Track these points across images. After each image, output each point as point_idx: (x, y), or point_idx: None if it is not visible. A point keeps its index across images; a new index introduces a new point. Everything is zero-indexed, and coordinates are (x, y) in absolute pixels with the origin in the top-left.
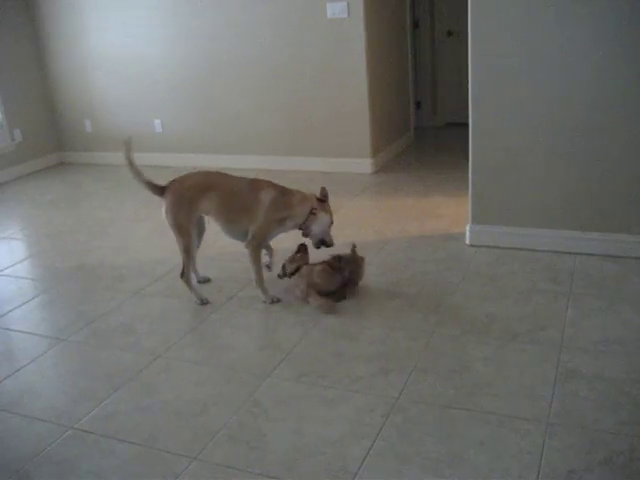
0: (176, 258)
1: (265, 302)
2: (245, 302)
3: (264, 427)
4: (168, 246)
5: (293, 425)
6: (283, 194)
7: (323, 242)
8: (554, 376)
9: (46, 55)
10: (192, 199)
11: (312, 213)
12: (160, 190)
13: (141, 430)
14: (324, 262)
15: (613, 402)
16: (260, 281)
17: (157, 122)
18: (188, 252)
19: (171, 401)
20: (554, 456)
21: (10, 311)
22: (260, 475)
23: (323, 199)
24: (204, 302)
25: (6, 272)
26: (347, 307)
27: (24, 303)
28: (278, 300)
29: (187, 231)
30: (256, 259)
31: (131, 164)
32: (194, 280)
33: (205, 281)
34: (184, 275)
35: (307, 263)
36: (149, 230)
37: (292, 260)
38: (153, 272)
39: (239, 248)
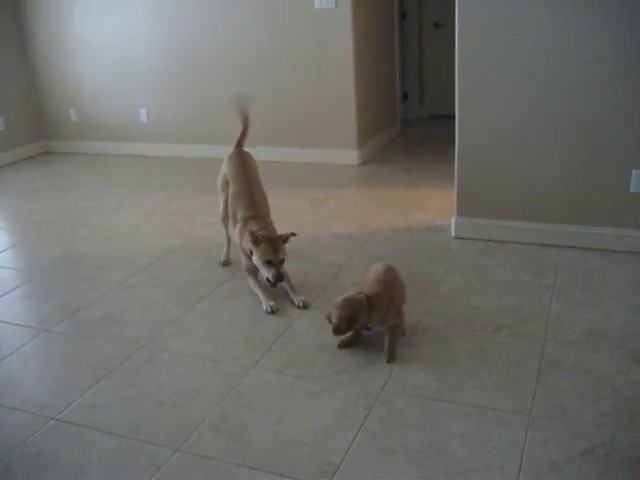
0: (160, 249)
1: None
2: (229, 293)
3: (247, 418)
4: (153, 236)
5: (276, 417)
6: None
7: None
8: (537, 368)
9: (30, 43)
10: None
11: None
12: (237, 145)
13: (124, 421)
14: None
15: (595, 394)
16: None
17: (142, 111)
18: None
19: (154, 392)
20: (536, 448)
21: None
22: (242, 466)
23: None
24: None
25: None
26: (331, 299)
27: (6, 293)
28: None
29: (220, 191)
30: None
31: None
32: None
33: (226, 264)
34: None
35: None
36: (134, 220)
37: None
38: (137, 262)
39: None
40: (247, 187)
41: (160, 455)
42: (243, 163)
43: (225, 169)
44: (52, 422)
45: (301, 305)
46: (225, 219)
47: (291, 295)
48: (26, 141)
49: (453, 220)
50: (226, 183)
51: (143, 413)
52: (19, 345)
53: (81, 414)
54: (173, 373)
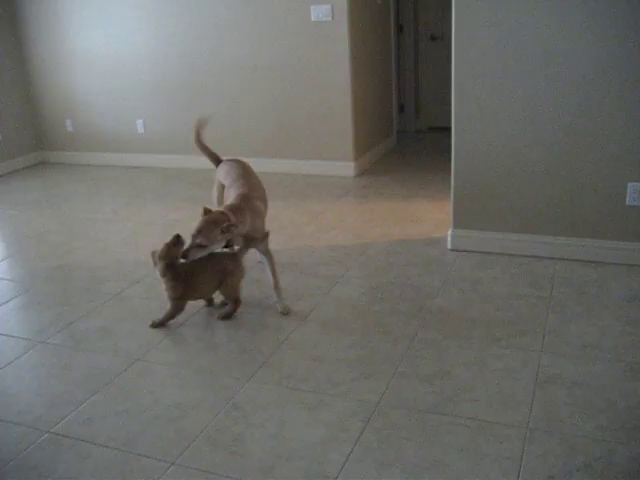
0: None
1: None
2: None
3: (244, 431)
4: (149, 248)
5: (273, 429)
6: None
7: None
8: (534, 381)
9: (27, 53)
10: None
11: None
12: (217, 162)
13: (119, 434)
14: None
15: (592, 407)
16: None
17: (139, 122)
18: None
19: (150, 405)
20: (534, 461)
21: None
22: None
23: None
24: None
25: None
26: (327, 311)
27: (2, 304)
28: None
29: (217, 205)
30: None
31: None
32: None
33: None
34: None
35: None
36: (129, 231)
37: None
38: (133, 274)
39: None
40: (241, 174)
41: (156, 469)
42: (237, 164)
43: (218, 175)
44: (47, 435)
45: (285, 312)
46: None
47: (275, 297)
48: (22, 152)
49: (449, 232)
50: (222, 193)
51: (138, 426)
52: (14, 357)
53: (76, 427)
54: (169, 386)
